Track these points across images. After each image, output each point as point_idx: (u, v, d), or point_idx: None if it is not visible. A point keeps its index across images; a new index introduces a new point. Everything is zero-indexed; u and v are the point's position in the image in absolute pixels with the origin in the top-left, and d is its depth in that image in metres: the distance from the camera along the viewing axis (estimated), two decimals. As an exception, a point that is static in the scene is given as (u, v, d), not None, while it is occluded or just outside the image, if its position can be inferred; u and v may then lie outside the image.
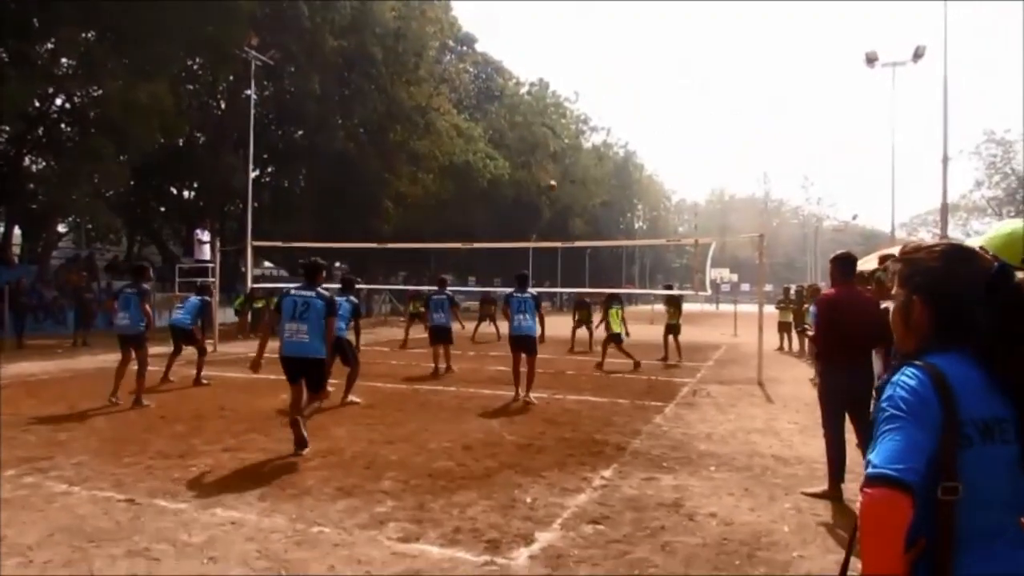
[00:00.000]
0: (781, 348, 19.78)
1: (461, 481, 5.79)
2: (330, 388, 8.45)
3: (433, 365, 13.29)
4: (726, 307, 49.66)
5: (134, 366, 9.37)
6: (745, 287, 55.94)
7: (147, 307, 9.42)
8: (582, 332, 18.88)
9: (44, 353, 16.22)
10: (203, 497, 5.23)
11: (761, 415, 9.39)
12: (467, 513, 4.97)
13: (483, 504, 5.18)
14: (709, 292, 18.59)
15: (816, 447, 7.06)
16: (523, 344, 10.13)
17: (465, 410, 9.35)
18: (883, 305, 5.45)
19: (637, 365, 14.45)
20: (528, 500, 5.31)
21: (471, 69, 50.60)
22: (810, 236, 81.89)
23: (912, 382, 1.52)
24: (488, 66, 56.38)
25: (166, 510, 4.92)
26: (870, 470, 1.47)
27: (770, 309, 15.83)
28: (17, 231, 29.42)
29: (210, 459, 6.38)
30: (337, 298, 8.00)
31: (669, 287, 23.59)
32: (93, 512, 4.85)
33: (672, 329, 16.35)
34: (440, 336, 13.28)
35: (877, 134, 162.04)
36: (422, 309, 19.97)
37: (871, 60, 29.75)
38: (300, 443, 6.68)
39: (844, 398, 5.46)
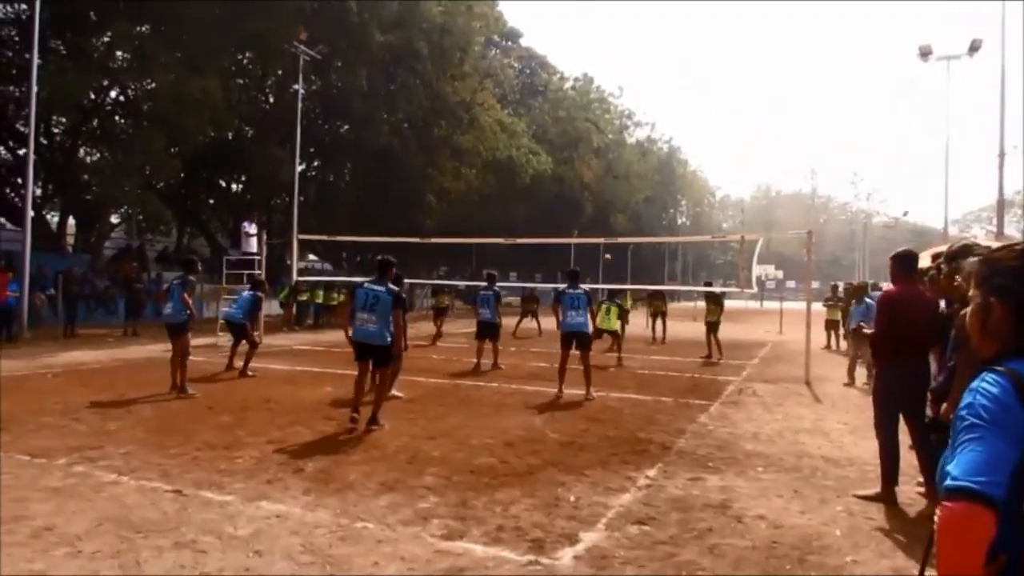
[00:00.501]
0: (828, 346, 19.38)
1: (504, 478, 5.74)
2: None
3: (476, 360, 13.28)
4: (770, 304, 48.92)
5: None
6: (790, 284, 55.09)
7: (186, 296, 9.56)
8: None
9: (95, 342, 16.61)
10: (248, 489, 5.26)
11: (809, 415, 9.19)
12: (510, 511, 4.92)
13: (526, 502, 5.13)
14: (756, 289, 18.27)
15: (867, 448, 6.88)
16: (576, 339, 10.06)
17: (507, 406, 9.30)
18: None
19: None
20: (572, 499, 5.24)
21: (515, 64, 50.48)
22: (858, 233, 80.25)
23: (994, 389, 1.43)
24: (533, 61, 56.20)
25: (212, 502, 4.96)
26: (949, 482, 1.38)
27: (818, 307, 15.51)
28: (71, 221, 30.16)
29: (255, 451, 6.42)
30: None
31: (709, 284, 23.35)
32: (140, 502, 4.90)
33: (712, 327, 16.16)
34: (487, 331, 13.27)
35: (930, 129, 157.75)
36: (447, 303, 20.40)
37: (925, 54, 28.98)
38: (373, 420, 7.55)
39: (900, 399, 5.30)
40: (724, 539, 4.50)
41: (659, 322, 20.53)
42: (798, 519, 4.93)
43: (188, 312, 9.61)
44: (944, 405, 4.15)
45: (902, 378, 5.26)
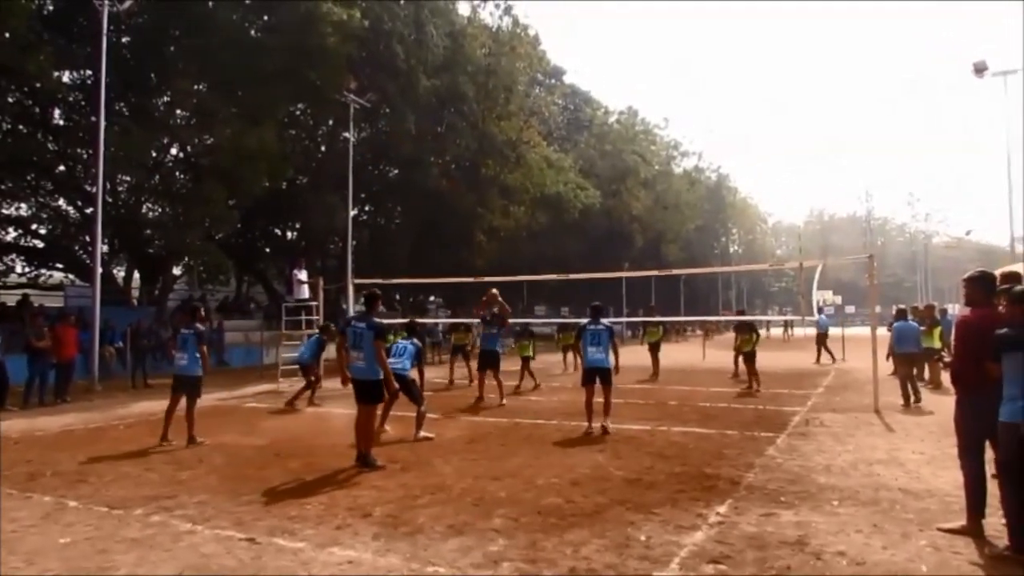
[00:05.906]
0: (895, 372, 18.76)
1: (572, 518, 5.67)
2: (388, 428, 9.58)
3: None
4: (831, 331, 47.65)
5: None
6: (850, 309, 53.67)
7: (204, 350, 9.62)
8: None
9: (162, 392, 16.90)
10: (319, 536, 5.30)
11: (882, 445, 8.89)
12: (581, 552, 4.86)
13: (596, 543, 5.06)
14: (816, 316, 17.93)
15: (947, 479, 6.63)
16: (599, 375, 10.15)
17: (569, 443, 9.24)
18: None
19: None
20: (643, 538, 5.15)
21: (560, 101, 50.85)
22: (919, 254, 78.12)
23: None
24: (576, 97, 56.62)
25: (285, 549, 5.01)
26: None
27: (882, 332, 15.06)
28: (136, 275, 31.13)
29: (323, 496, 6.48)
30: (401, 341, 10.45)
31: (742, 312, 23.07)
32: (217, 551, 4.98)
33: (748, 357, 16.00)
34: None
35: (989, 145, 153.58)
36: (466, 342, 18.38)
37: (980, 70, 28.43)
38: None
39: (987, 428, 5.05)
40: (804, 578, 4.37)
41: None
42: (881, 555, 4.76)
43: (203, 367, 9.62)
44: None
45: (987, 407, 4.97)
